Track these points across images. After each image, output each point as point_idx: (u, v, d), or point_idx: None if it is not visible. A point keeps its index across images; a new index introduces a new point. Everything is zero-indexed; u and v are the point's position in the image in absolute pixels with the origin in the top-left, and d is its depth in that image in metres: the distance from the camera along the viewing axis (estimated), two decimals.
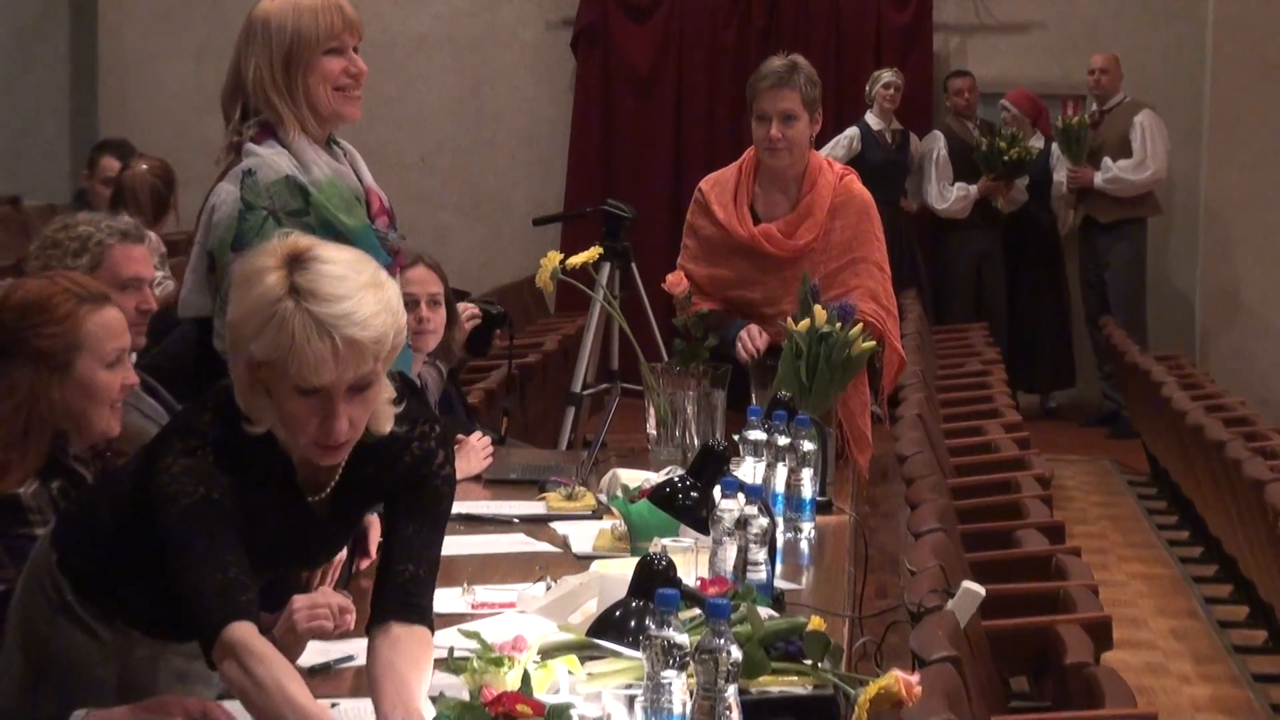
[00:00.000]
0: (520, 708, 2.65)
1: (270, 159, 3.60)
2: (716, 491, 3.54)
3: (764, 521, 3.50)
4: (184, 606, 2.65)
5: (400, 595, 2.77)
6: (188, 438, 2.68)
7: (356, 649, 3.05)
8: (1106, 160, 10.52)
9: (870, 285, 5.04)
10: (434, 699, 2.73)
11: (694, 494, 3.68)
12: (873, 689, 2.70)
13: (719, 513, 3.51)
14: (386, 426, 2.75)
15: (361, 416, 2.68)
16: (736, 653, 2.58)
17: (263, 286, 2.59)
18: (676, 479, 3.77)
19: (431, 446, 2.84)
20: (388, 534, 2.87)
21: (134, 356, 3.43)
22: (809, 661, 2.90)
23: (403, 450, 2.81)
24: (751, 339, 4.92)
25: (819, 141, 6.32)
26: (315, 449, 2.68)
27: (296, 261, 2.61)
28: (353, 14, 3.68)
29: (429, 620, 2.79)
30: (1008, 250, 10.98)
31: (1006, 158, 10.61)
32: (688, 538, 3.74)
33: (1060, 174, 10.67)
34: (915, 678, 2.72)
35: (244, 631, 2.59)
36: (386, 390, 2.72)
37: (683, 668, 2.63)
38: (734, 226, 5.03)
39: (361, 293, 2.60)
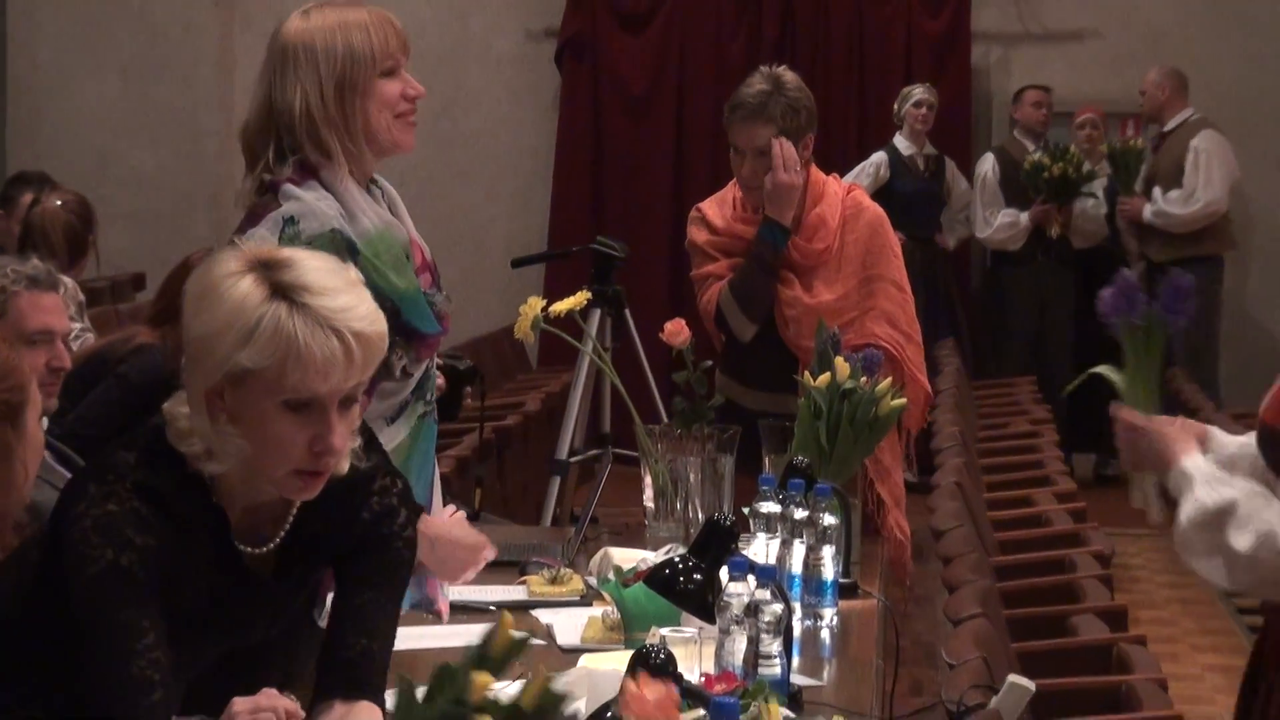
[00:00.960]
0: None
1: (316, 206, 3.56)
2: (723, 573, 3.54)
3: (778, 608, 3.51)
4: (89, 704, 2.65)
5: (349, 672, 2.79)
6: (104, 480, 2.67)
7: None
8: (1156, 191, 10.51)
9: (887, 307, 5.11)
10: None
11: (697, 576, 3.68)
12: None
13: (726, 598, 3.51)
14: (346, 465, 2.76)
15: (348, 436, 2.69)
16: None
17: (238, 292, 2.61)
18: (677, 559, 3.77)
19: (393, 503, 2.86)
20: (338, 601, 2.88)
21: (45, 421, 3.41)
22: None
23: (362, 504, 2.83)
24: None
25: (842, 166, 6.35)
26: (297, 479, 2.69)
27: (271, 264, 2.65)
28: (402, 28, 3.69)
29: (380, 700, 2.79)
30: (1081, 291, 10.92)
31: (1047, 174, 10.58)
32: (690, 627, 3.74)
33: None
34: None
35: None
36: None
37: None
38: (739, 231, 5.15)
39: (354, 289, 2.67)
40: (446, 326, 3.78)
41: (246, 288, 2.62)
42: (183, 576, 2.70)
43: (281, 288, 2.63)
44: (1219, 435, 3.48)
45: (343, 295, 2.65)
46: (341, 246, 3.51)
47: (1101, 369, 3.59)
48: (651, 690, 2.50)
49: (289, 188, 3.58)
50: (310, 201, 3.56)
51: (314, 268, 2.67)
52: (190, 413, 2.68)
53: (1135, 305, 3.49)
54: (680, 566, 3.72)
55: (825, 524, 4.06)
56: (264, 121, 3.64)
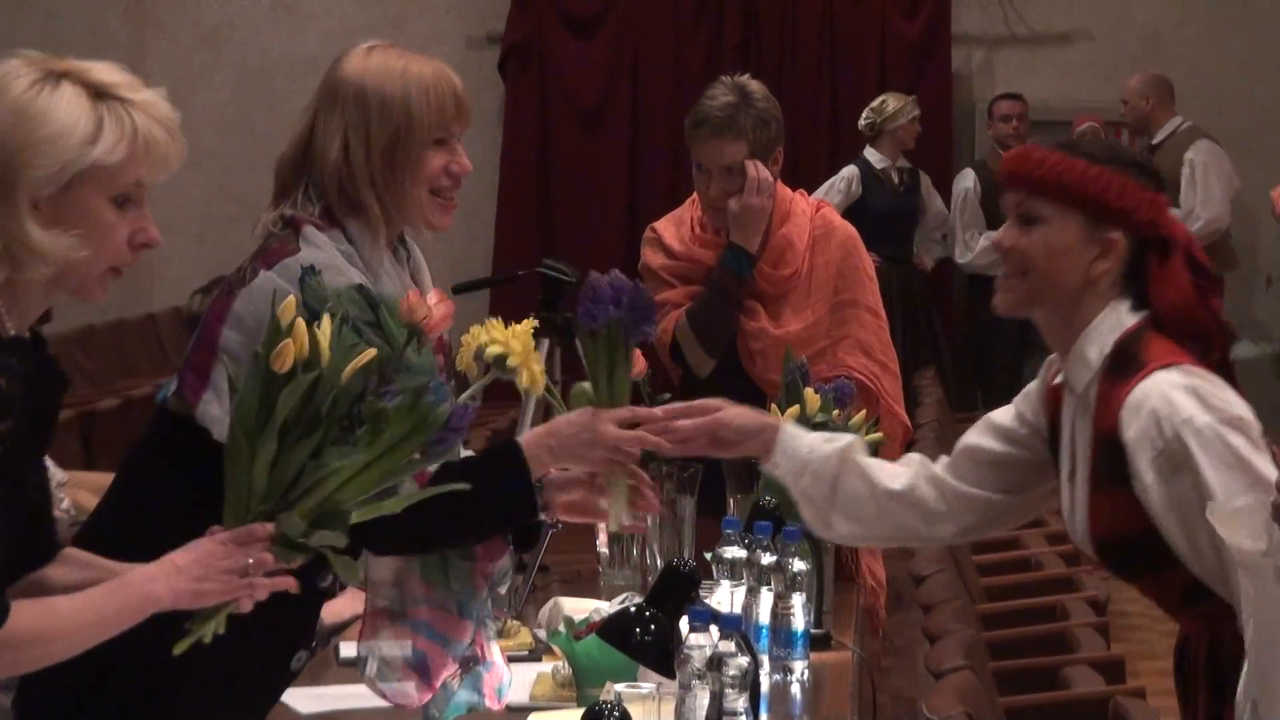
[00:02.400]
0: None
1: (337, 261, 3.47)
2: (684, 624, 3.56)
3: (744, 661, 3.52)
4: None
5: None
6: None
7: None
8: None
9: (861, 335, 5.14)
10: None
11: (655, 627, 3.69)
12: None
13: (687, 650, 3.53)
14: None
15: None
16: None
17: (64, 97, 2.85)
18: (633, 609, 3.78)
19: None
20: None
21: None
22: None
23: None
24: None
25: (809, 181, 6.38)
26: (110, 275, 2.92)
27: (70, 72, 2.88)
28: (465, 94, 3.62)
29: None
30: None
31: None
32: (648, 682, 3.76)
33: None
34: None
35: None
36: None
37: None
38: (699, 255, 5.16)
39: (147, 87, 2.95)
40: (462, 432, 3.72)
41: (70, 93, 2.85)
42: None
43: (99, 89, 2.87)
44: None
45: (148, 91, 2.93)
46: (364, 302, 3.43)
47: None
48: None
49: (311, 232, 3.49)
50: (330, 255, 3.47)
51: (107, 69, 2.92)
52: (3, 234, 2.83)
53: (599, 313, 3.53)
54: (637, 617, 3.73)
55: (795, 570, 4.07)
56: (300, 156, 3.56)
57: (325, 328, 2.98)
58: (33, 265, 2.85)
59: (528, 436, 3.59)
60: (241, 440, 2.95)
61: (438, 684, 3.71)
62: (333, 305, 3.35)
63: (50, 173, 2.84)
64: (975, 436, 3.71)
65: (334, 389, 2.95)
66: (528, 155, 11.72)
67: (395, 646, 3.72)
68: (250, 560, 2.88)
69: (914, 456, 3.82)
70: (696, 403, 3.70)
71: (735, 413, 3.71)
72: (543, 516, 3.67)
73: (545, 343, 5.95)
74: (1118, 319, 3.44)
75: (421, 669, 3.72)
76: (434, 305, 3.23)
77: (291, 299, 3.02)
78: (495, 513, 3.56)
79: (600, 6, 11.71)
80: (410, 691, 3.71)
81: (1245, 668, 3.16)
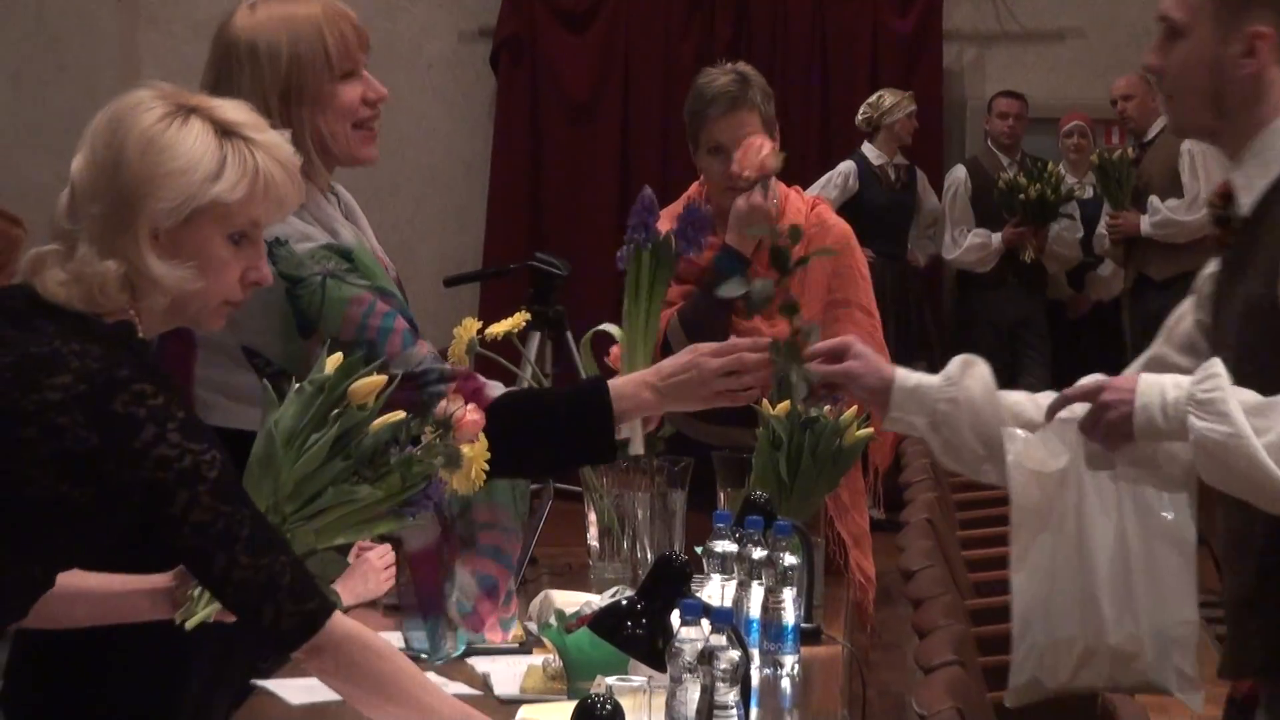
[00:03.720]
0: None
1: (297, 228, 3.51)
2: (675, 617, 3.56)
3: (735, 655, 3.52)
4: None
5: None
6: (148, 379, 2.86)
7: None
8: (1153, 201, 10.53)
9: (855, 334, 5.13)
10: None
11: (646, 621, 3.70)
12: None
13: (678, 644, 3.53)
14: None
15: None
16: None
17: (191, 133, 2.92)
18: (624, 602, 3.79)
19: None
20: None
21: None
22: None
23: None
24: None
25: (801, 178, 6.38)
26: (223, 309, 3.02)
27: (199, 108, 2.96)
28: (359, 24, 3.65)
29: None
30: (1054, 317, 11.01)
31: (1023, 195, 10.64)
32: (639, 676, 3.76)
33: (1102, 223, 10.72)
34: None
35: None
36: None
37: None
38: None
39: (271, 128, 3.03)
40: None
41: (198, 129, 2.93)
42: None
43: (226, 127, 2.95)
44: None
45: (272, 133, 3.01)
46: (336, 255, 3.50)
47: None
48: None
49: None
50: (291, 222, 3.48)
51: (235, 107, 3.02)
52: (124, 261, 2.91)
53: (650, 221, 3.50)
54: (628, 610, 3.73)
55: (786, 564, 4.07)
56: None
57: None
58: (150, 294, 2.93)
59: (625, 382, 3.61)
60: (278, 443, 3.00)
61: (503, 604, 3.74)
62: (309, 267, 3.40)
63: (173, 206, 2.90)
64: (1160, 347, 3.60)
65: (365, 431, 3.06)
66: (519, 149, 11.72)
67: (468, 575, 3.76)
68: None
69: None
70: (828, 344, 3.66)
71: (862, 369, 3.65)
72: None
73: (536, 335, 5.99)
74: None
75: (493, 592, 3.75)
76: (470, 412, 3.24)
77: (336, 358, 3.09)
78: (573, 454, 3.63)
79: (592, 2, 11.71)
80: (483, 615, 3.74)
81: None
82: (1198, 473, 3.20)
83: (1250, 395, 3.11)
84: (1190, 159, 10.48)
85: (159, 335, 3.30)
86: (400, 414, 3.07)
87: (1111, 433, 3.25)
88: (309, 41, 3.55)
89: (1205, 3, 3.29)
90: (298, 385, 3.07)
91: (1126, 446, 3.27)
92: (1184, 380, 3.18)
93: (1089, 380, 3.36)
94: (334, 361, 3.07)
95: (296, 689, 3.77)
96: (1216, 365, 3.15)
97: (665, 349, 5.17)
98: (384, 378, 3.10)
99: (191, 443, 2.86)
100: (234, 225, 2.96)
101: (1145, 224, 10.55)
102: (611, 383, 3.59)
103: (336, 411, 3.04)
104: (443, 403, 3.19)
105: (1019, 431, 3.39)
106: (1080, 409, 3.32)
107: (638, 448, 3.67)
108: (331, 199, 3.69)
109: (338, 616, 2.96)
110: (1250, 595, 3.29)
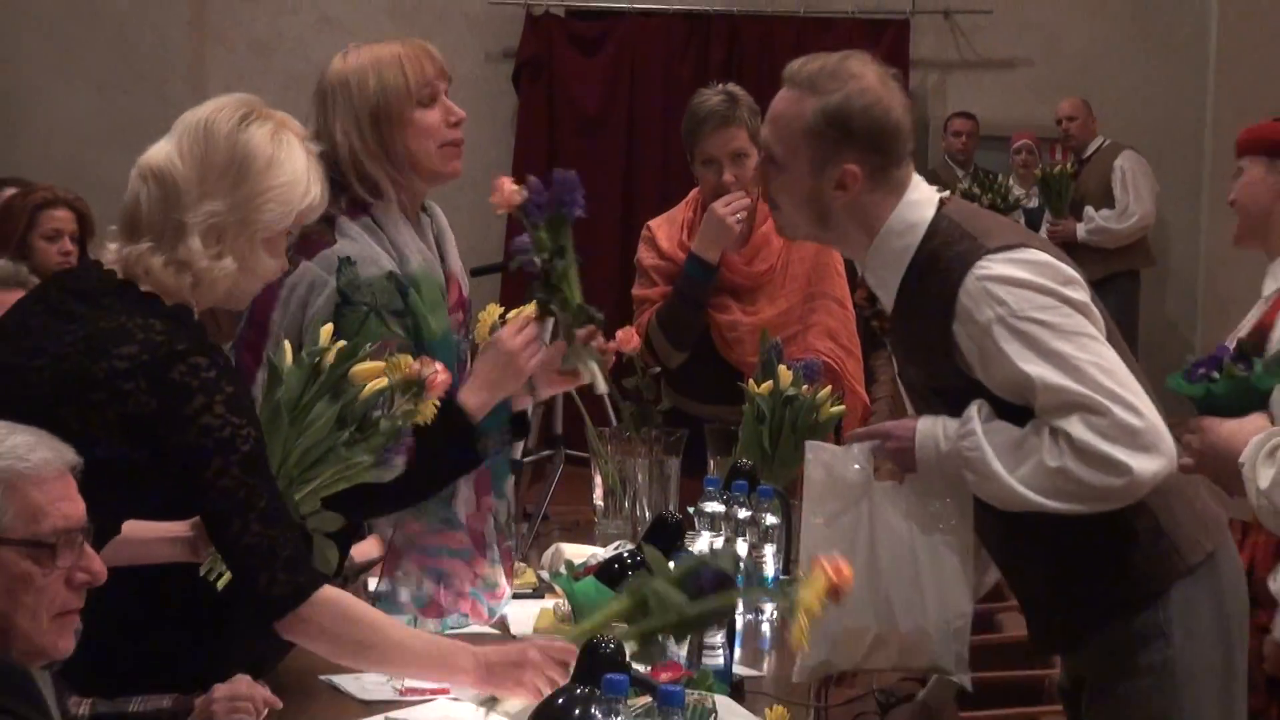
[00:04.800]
0: None
1: (370, 251, 3.51)
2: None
3: None
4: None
5: None
6: (203, 353, 2.88)
7: None
8: (1089, 210, 10.59)
9: (829, 323, 5.12)
10: None
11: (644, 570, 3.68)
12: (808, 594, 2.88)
13: None
14: None
15: None
16: None
17: (297, 147, 3.00)
18: (625, 554, 3.79)
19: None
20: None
21: None
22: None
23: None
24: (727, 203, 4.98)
25: None
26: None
27: (285, 121, 3.05)
28: (439, 56, 3.67)
29: None
30: None
31: (976, 204, 10.63)
32: None
33: (1042, 229, 10.73)
34: (843, 563, 2.90)
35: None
36: None
37: None
38: (680, 259, 5.13)
39: None
40: (464, 376, 3.68)
41: (298, 146, 3.00)
42: None
43: (308, 148, 3.05)
44: None
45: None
46: (394, 290, 3.50)
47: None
48: None
49: (345, 223, 3.53)
50: (364, 245, 3.50)
51: (293, 122, 3.10)
52: (239, 259, 2.95)
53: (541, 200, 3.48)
54: (628, 561, 3.73)
55: (767, 524, 4.07)
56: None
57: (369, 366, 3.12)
58: (225, 284, 2.96)
59: (465, 393, 3.53)
60: (284, 414, 2.98)
61: (465, 589, 3.71)
62: (364, 294, 3.38)
63: (281, 213, 2.95)
64: None
65: (358, 399, 3.09)
66: (537, 157, 11.67)
67: (414, 569, 3.73)
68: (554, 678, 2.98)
69: None
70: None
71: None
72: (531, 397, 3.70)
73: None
74: None
75: (445, 579, 3.73)
76: (439, 372, 3.22)
77: (329, 328, 3.13)
78: (449, 472, 3.58)
79: (603, 28, 11.67)
80: (439, 600, 3.71)
81: None
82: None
83: (1003, 435, 3.16)
84: (1122, 174, 10.54)
85: (241, 326, 3.34)
86: (383, 381, 3.08)
87: (898, 465, 3.32)
88: (392, 73, 3.60)
89: (800, 143, 3.24)
90: (291, 355, 3.08)
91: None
92: (951, 431, 3.20)
93: (875, 426, 3.39)
94: (326, 333, 3.08)
95: None
96: (974, 422, 3.18)
97: (647, 344, 5.15)
98: (381, 364, 3.10)
99: (234, 415, 2.84)
100: (297, 223, 3.01)
101: (1081, 230, 10.58)
102: (459, 398, 3.52)
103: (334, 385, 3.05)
104: (416, 364, 3.19)
105: (823, 445, 3.40)
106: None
107: (601, 386, 3.65)
108: (425, 219, 3.67)
109: (325, 589, 2.93)
110: (1043, 595, 3.36)
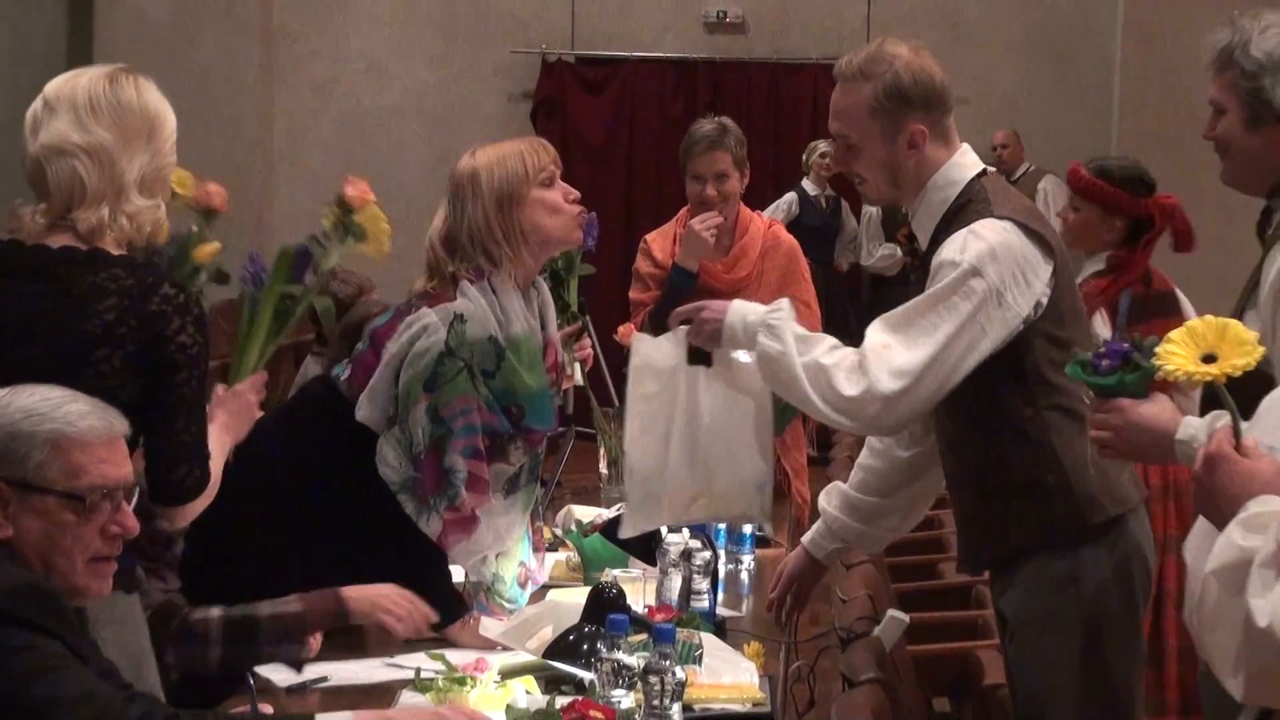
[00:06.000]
0: (593, 713, 2.66)
1: (481, 313, 3.49)
2: (663, 527, 3.56)
3: (707, 554, 3.53)
4: None
5: None
6: (168, 282, 2.87)
7: (329, 670, 3.10)
8: None
9: (801, 323, 5.12)
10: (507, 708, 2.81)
11: None
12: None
13: (665, 546, 3.54)
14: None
15: None
16: (681, 674, 2.61)
17: (154, 88, 2.99)
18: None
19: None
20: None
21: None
22: None
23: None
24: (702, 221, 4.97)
25: (759, 204, 6.38)
26: None
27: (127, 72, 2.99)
28: (552, 149, 3.71)
29: None
30: None
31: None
32: (636, 569, 3.77)
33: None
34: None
35: None
36: None
37: (631, 687, 2.67)
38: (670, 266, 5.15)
39: None
40: (559, 424, 3.68)
41: (154, 85, 3.01)
42: None
43: None
44: None
45: None
46: (492, 353, 3.48)
47: None
48: None
49: (466, 285, 3.51)
50: (478, 308, 3.49)
51: None
52: (163, 194, 2.96)
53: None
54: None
55: None
56: (448, 237, 3.60)
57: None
58: (158, 227, 2.94)
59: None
60: (260, 331, 3.13)
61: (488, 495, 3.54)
62: (465, 351, 3.38)
63: (173, 149, 3.02)
64: None
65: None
66: None
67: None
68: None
69: None
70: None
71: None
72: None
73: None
74: None
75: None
76: (355, 181, 3.27)
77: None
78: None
79: (607, 73, 11.67)
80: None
81: None
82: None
83: (804, 330, 3.21)
84: (1044, 194, 10.56)
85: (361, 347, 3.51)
86: (217, 246, 3.11)
87: (706, 339, 3.27)
88: (513, 162, 3.61)
89: (868, 123, 3.25)
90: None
91: (718, 351, 3.30)
92: (763, 309, 3.22)
93: (695, 304, 3.36)
94: (211, 250, 3.07)
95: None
96: (784, 302, 3.25)
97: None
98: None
99: (200, 335, 2.83)
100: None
101: None
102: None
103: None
104: (347, 189, 3.26)
105: (643, 335, 3.44)
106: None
107: (577, 379, 3.66)
108: (533, 292, 3.65)
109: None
110: (971, 516, 3.31)
